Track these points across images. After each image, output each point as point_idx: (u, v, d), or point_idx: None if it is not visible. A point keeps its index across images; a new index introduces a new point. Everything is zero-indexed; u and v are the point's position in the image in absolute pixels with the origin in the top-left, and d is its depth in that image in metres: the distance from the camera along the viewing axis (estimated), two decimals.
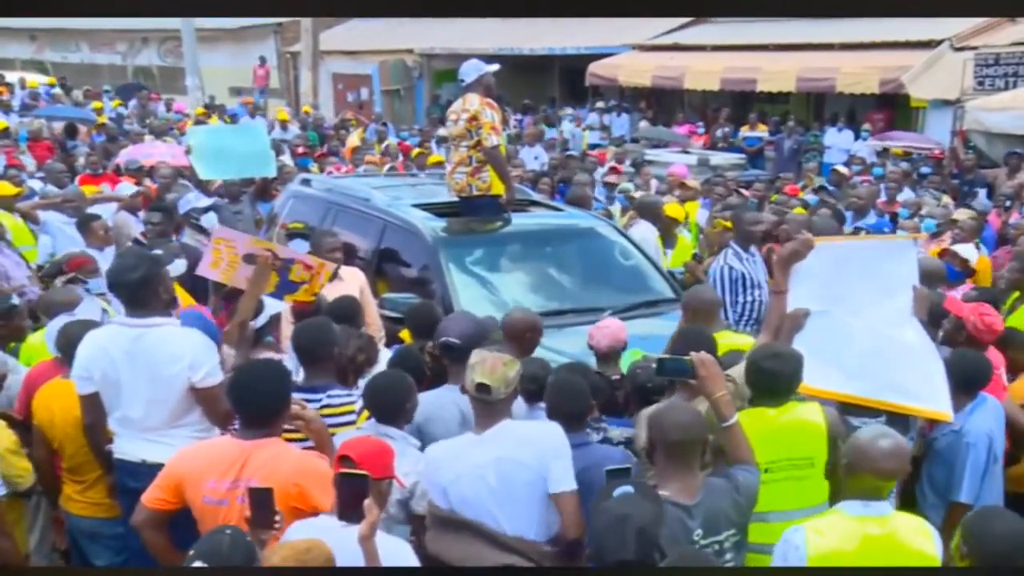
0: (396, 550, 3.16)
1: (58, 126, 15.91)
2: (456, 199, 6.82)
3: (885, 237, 5.00)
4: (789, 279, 4.43)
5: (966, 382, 4.51)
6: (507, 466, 3.56)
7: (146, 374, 4.02)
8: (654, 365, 3.95)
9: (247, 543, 2.86)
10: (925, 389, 4.36)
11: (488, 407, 3.64)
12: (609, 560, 2.89)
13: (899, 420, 4.37)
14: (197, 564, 2.75)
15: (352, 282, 6.07)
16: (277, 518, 3.10)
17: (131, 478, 4.06)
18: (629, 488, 3.01)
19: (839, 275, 4.45)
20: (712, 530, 3.34)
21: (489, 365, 3.61)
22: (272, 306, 4.88)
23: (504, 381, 3.61)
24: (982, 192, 12.07)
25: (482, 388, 3.57)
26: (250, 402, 3.50)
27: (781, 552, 3.30)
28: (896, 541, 3.22)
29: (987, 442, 4.44)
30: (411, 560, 3.20)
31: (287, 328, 5.83)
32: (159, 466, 3.70)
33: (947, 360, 4.51)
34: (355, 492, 2.98)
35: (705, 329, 4.42)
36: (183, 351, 4.02)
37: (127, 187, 9.58)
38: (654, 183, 11.07)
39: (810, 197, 10.44)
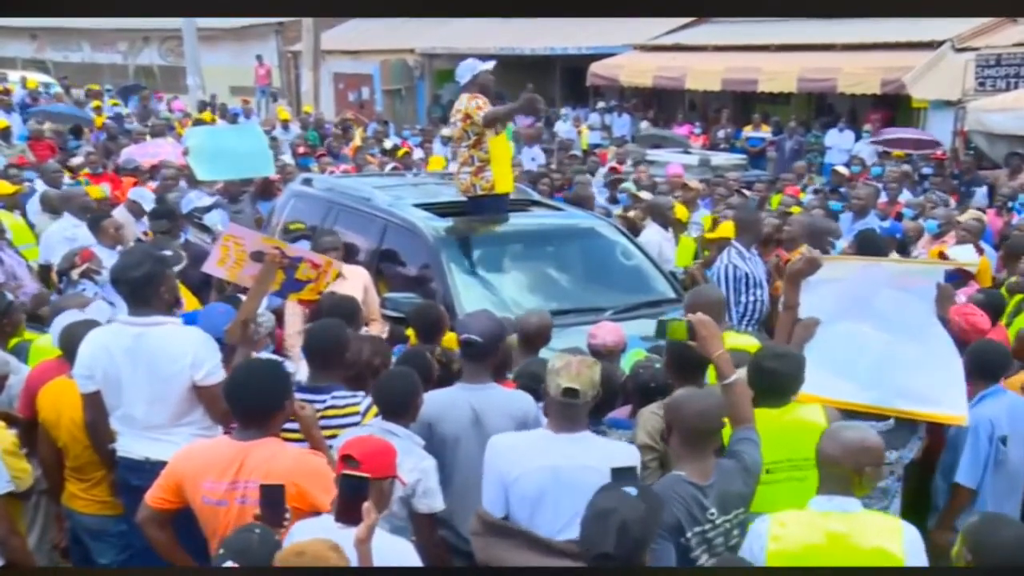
0: (399, 550, 3.16)
1: (58, 125, 15.93)
2: (460, 199, 6.82)
3: (915, 263, 5.02)
4: (799, 294, 4.43)
5: (982, 370, 4.56)
6: (591, 477, 3.46)
7: (147, 372, 4.02)
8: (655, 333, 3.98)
9: (275, 541, 2.87)
10: (939, 393, 4.36)
11: (571, 410, 3.57)
12: (591, 553, 2.90)
13: (907, 424, 4.38)
14: (229, 564, 2.74)
15: (355, 280, 6.07)
16: (287, 515, 3.08)
17: (134, 475, 4.06)
18: (632, 490, 3.01)
19: (856, 283, 4.45)
20: (724, 509, 3.40)
21: (575, 369, 3.54)
22: None
23: (591, 384, 3.56)
24: (980, 192, 12.06)
25: (569, 392, 3.51)
26: (244, 401, 3.49)
27: (748, 541, 3.30)
28: (855, 539, 3.17)
29: (989, 427, 4.44)
30: (414, 560, 3.19)
31: (292, 326, 5.85)
32: (163, 464, 3.70)
33: (971, 348, 4.61)
34: (355, 494, 2.97)
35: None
36: (184, 349, 4.01)
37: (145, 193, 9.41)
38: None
39: (810, 198, 10.43)
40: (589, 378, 3.55)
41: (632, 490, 3.02)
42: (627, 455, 3.60)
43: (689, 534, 3.32)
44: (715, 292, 5.45)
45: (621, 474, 3.26)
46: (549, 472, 3.51)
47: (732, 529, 3.42)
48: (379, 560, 2.97)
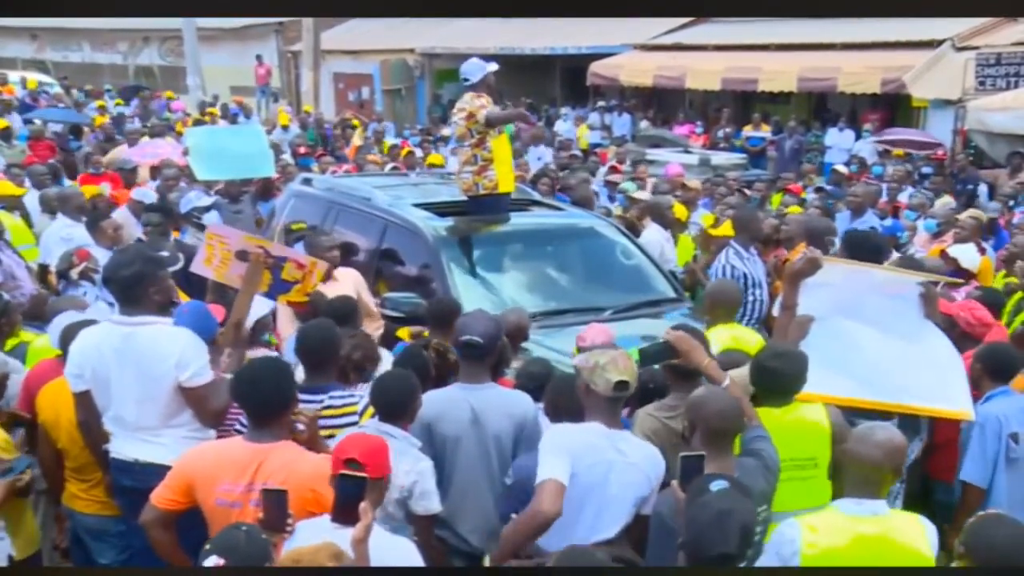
0: (402, 548, 3.16)
1: (57, 126, 15.93)
2: (460, 199, 6.82)
3: (900, 272, 5.07)
4: (798, 294, 4.44)
5: (995, 371, 4.58)
6: (636, 476, 3.59)
7: (135, 373, 4.00)
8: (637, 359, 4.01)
9: (263, 540, 2.85)
10: (942, 390, 4.37)
11: (617, 404, 3.67)
12: (708, 554, 2.89)
13: (910, 424, 4.38)
14: (213, 559, 2.73)
15: (347, 282, 6.07)
16: (290, 520, 3.07)
17: (124, 476, 4.06)
18: (724, 483, 3.03)
19: (849, 288, 4.46)
20: None
21: (622, 364, 3.62)
22: (258, 308, 4.85)
23: (635, 376, 3.67)
24: (983, 193, 12.06)
25: (622, 386, 3.58)
26: (254, 400, 3.49)
27: (775, 545, 3.30)
28: (890, 539, 3.21)
29: (997, 424, 4.44)
30: (416, 559, 3.19)
31: (286, 328, 5.85)
32: (151, 465, 3.70)
33: (983, 349, 4.66)
34: (353, 494, 2.97)
35: (696, 328, 4.47)
36: (170, 350, 3.99)
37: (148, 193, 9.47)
38: (650, 182, 11.04)
39: (810, 197, 10.43)
40: (633, 370, 3.65)
41: (723, 483, 3.04)
42: (656, 453, 3.68)
43: None
44: (736, 290, 5.59)
45: (692, 461, 3.29)
46: (606, 467, 3.55)
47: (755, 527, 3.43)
48: (382, 560, 2.96)
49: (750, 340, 5.23)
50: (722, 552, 2.87)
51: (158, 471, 3.67)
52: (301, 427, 3.62)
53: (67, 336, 4.48)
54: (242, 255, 4.63)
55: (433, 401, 4.11)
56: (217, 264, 4.74)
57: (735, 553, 2.89)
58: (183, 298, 5.84)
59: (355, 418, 4.04)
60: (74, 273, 6.33)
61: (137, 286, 4.07)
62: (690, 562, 2.97)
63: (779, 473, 3.61)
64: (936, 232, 8.34)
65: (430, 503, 3.78)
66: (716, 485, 3.02)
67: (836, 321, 4.42)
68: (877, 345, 4.42)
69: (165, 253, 6.15)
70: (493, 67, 6.78)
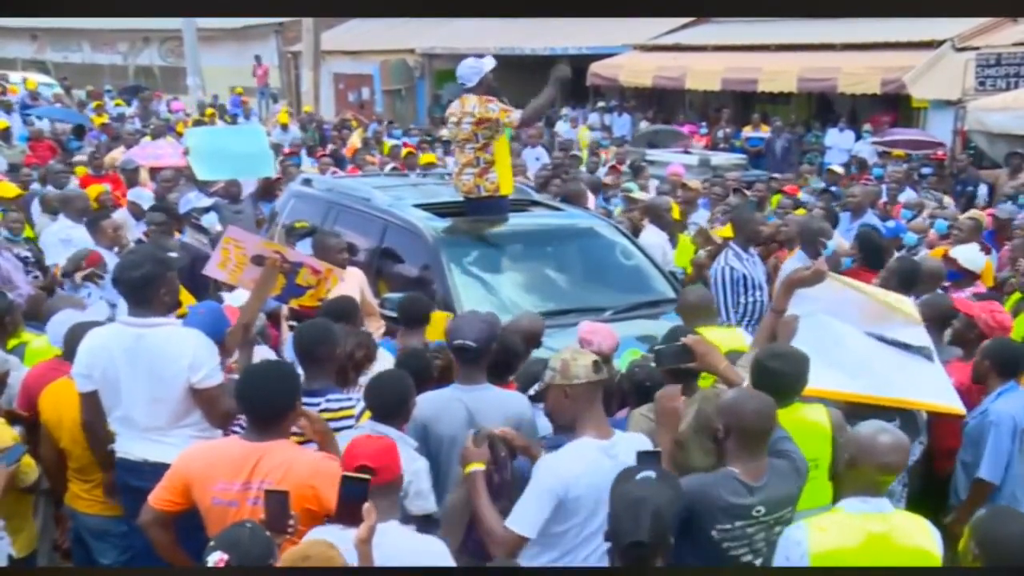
0: (433, 550, 3.18)
1: (61, 126, 15.94)
2: (459, 200, 6.81)
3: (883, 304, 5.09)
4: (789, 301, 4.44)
5: (1002, 366, 4.58)
6: None
7: (146, 374, 4.02)
8: (652, 361, 4.02)
9: (266, 538, 2.86)
10: (930, 386, 4.38)
11: (599, 401, 3.63)
12: (623, 542, 2.89)
13: (910, 426, 4.38)
14: (216, 555, 2.74)
15: (351, 281, 6.07)
16: (292, 522, 3.07)
17: (133, 477, 4.07)
18: (651, 473, 3.01)
19: (837, 304, 4.48)
20: (773, 509, 3.39)
21: (581, 352, 3.68)
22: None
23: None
24: (983, 194, 12.05)
25: (599, 366, 3.58)
26: (259, 403, 3.48)
27: (783, 548, 3.29)
28: (897, 538, 3.22)
29: (1011, 423, 4.46)
30: (447, 559, 3.19)
31: (287, 329, 5.86)
32: (162, 465, 3.69)
33: (991, 344, 4.65)
34: (357, 495, 2.97)
35: (691, 330, 4.45)
36: (183, 352, 4.01)
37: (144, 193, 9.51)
38: (653, 183, 11.03)
39: (806, 197, 10.42)
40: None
41: (651, 474, 3.02)
42: (646, 440, 3.66)
43: (729, 526, 3.32)
44: (698, 292, 5.53)
45: (647, 458, 3.28)
46: (604, 480, 3.43)
47: (774, 526, 3.42)
48: (413, 560, 3.02)
49: (732, 340, 5.19)
50: (634, 540, 2.87)
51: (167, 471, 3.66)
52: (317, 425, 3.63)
53: (73, 337, 4.49)
54: (258, 259, 4.64)
55: (428, 402, 4.12)
56: (232, 268, 4.75)
57: (646, 541, 2.88)
58: (186, 298, 5.87)
59: (351, 421, 4.02)
60: (78, 276, 6.32)
61: (148, 287, 4.09)
62: (613, 552, 2.96)
63: (806, 475, 3.57)
64: (945, 234, 8.31)
65: (426, 503, 3.79)
66: (640, 476, 3.02)
67: (823, 319, 4.42)
68: (862, 343, 4.44)
69: (174, 254, 6.16)
70: (490, 64, 6.64)
